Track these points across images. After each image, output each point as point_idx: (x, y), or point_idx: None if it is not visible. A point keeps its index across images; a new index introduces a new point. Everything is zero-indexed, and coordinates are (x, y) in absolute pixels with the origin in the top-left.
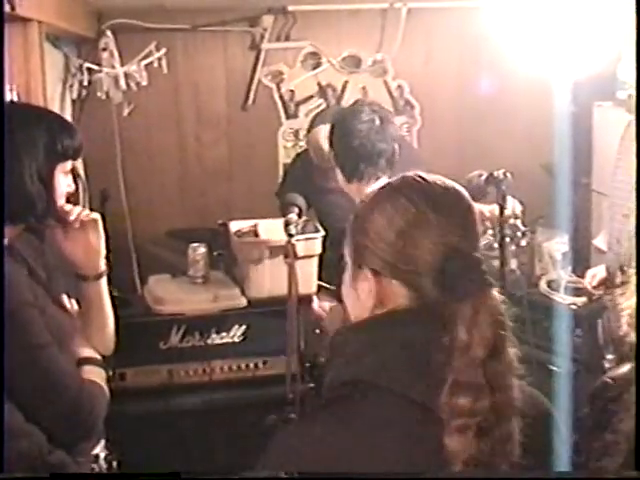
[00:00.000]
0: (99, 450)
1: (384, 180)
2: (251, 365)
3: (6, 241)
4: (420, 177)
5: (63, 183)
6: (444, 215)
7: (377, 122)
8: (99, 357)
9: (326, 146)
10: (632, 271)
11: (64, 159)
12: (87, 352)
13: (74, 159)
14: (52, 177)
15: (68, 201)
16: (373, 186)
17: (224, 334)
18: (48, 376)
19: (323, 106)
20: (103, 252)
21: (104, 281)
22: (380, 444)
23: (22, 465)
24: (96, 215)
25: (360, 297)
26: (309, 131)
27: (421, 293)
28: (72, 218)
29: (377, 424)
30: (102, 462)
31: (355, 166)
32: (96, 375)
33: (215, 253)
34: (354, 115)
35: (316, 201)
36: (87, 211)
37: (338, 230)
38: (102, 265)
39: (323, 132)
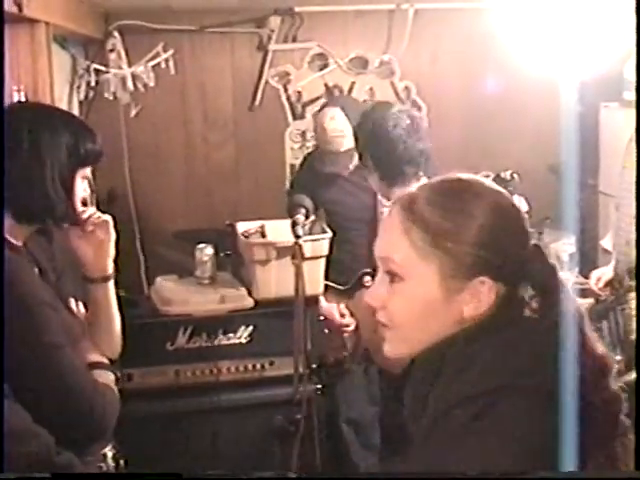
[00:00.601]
0: (107, 449)
1: (424, 179)
2: (258, 366)
3: (20, 241)
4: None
5: (81, 187)
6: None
7: (408, 122)
8: (107, 361)
9: (331, 126)
10: None
11: (85, 164)
12: (96, 357)
13: (93, 165)
14: (73, 181)
15: (82, 204)
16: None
17: (231, 335)
18: (64, 376)
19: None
20: (112, 254)
21: (112, 284)
22: (530, 443)
23: (30, 467)
24: (107, 217)
25: (455, 310)
26: (321, 108)
27: (515, 289)
28: (85, 219)
29: (526, 425)
30: (110, 461)
31: (400, 171)
32: (106, 379)
33: (222, 254)
34: (388, 121)
35: (325, 198)
36: (99, 213)
37: (349, 220)
38: (110, 268)
39: (329, 114)
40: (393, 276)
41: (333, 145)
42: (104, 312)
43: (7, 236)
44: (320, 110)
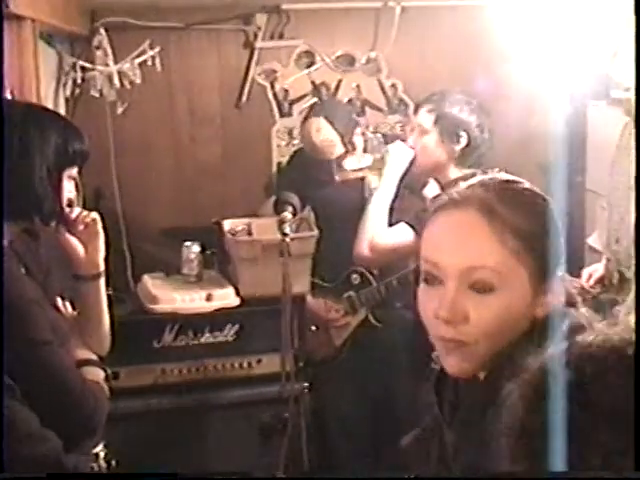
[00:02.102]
0: (99, 449)
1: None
2: (245, 364)
3: (5, 240)
4: None
5: (67, 187)
6: None
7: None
8: (96, 358)
9: (319, 138)
10: (631, 274)
11: (72, 164)
12: (85, 354)
13: (80, 165)
14: (60, 180)
15: (67, 205)
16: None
17: (218, 333)
18: (52, 373)
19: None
20: (102, 252)
21: (102, 281)
22: None
23: (38, 469)
24: (95, 215)
25: (532, 312)
26: (305, 120)
27: None
28: (73, 219)
29: None
30: (102, 461)
31: (481, 156)
32: (95, 376)
33: (209, 252)
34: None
35: (313, 196)
36: (85, 212)
37: (339, 223)
38: (101, 265)
39: (314, 126)
40: (482, 287)
41: (325, 155)
42: (94, 309)
43: None
44: (304, 121)
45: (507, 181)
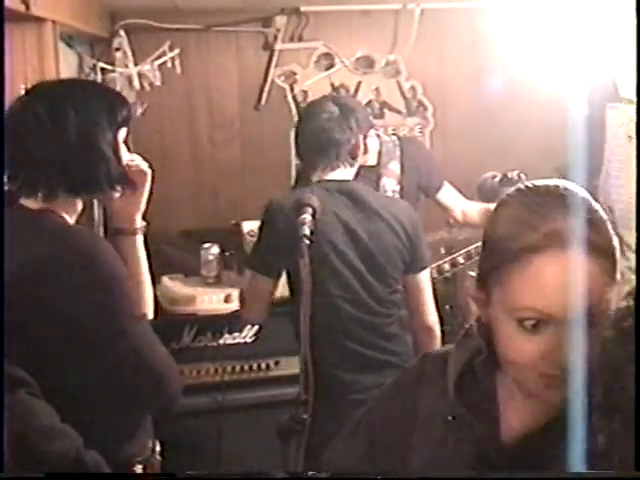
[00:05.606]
0: (157, 443)
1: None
2: (263, 365)
3: (73, 219)
4: None
5: (124, 149)
6: None
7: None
8: None
9: None
10: None
11: (122, 126)
12: None
13: (128, 127)
14: (117, 144)
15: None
16: None
17: (236, 334)
18: (148, 347)
19: None
20: (142, 209)
21: (140, 240)
22: None
23: (54, 466)
24: (147, 168)
25: None
26: None
27: None
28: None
29: None
30: (157, 455)
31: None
32: None
33: (228, 253)
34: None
35: None
36: (138, 161)
37: None
38: (138, 222)
39: None
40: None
41: None
42: (133, 267)
43: (64, 215)
44: None
45: (590, 209)
